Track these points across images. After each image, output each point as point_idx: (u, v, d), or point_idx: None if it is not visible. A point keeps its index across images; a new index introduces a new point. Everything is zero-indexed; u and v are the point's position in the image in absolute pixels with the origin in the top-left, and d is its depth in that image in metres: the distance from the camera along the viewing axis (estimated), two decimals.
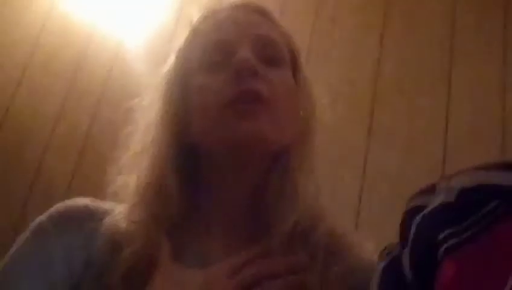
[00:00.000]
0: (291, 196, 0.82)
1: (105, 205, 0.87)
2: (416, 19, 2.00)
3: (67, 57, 2.34)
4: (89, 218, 0.83)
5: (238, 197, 0.85)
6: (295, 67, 0.92)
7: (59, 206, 0.87)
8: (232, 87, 0.81)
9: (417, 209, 0.55)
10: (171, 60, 0.92)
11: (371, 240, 0.85)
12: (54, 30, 2.40)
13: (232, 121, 0.81)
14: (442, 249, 0.49)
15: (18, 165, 2.19)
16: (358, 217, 1.65)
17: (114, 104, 2.21)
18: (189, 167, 0.86)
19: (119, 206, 0.86)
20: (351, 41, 2.03)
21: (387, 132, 1.84)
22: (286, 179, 0.84)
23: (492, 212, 0.51)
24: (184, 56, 0.91)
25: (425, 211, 0.54)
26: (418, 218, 0.54)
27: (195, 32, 0.92)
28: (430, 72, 1.89)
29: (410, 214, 0.56)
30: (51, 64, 2.35)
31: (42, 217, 0.85)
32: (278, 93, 0.84)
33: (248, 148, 0.83)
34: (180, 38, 0.94)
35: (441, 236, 0.50)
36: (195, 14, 0.94)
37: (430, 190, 0.56)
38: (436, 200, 0.54)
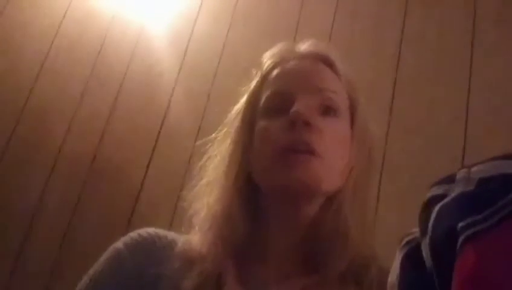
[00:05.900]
0: (344, 235, 0.89)
1: (171, 234, 0.99)
2: (437, 9, 1.99)
3: (89, 43, 2.36)
4: (158, 243, 0.96)
5: (293, 230, 0.93)
6: (353, 114, 0.98)
7: (132, 234, 0.98)
8: (286, 136, 0.90)
9: (437, 198, 0.55)
10: (243, 100, 1.02)
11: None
12: (76, 16, 2.42)
13: (283, 169, 0.89)
14: (462, 237, 0.49)
15: (39, 148, 2.22)
16: (376, 208, 1.65)
17: (135, 89, 2.23)
18: (252, 199, 0.94)
19: (182, 236, 0.97)
20: (372, 30, 2.03)
21: (407, 122, 1.83)
22: (339, 218, 0.91)
23: None
24: (253, 99, 0.99)
25: (445, 200, 0.54)
26: (437, 207, 0.54)
27: (264, 79, 1.00)
28: (451, 62, 1.88)
29: (429, 203, 0.56)
30: (73, 50, 2.36)
31: (118, 244, 0.97)
32: (328, 142, 0.91)
33: (298, 193, 0.91)
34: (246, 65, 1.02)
35: (461, 225, 0.50)
36: (266, 59, 1.02)
37: (450, 179, 0.56)
38: (456, 190, 0.54)
